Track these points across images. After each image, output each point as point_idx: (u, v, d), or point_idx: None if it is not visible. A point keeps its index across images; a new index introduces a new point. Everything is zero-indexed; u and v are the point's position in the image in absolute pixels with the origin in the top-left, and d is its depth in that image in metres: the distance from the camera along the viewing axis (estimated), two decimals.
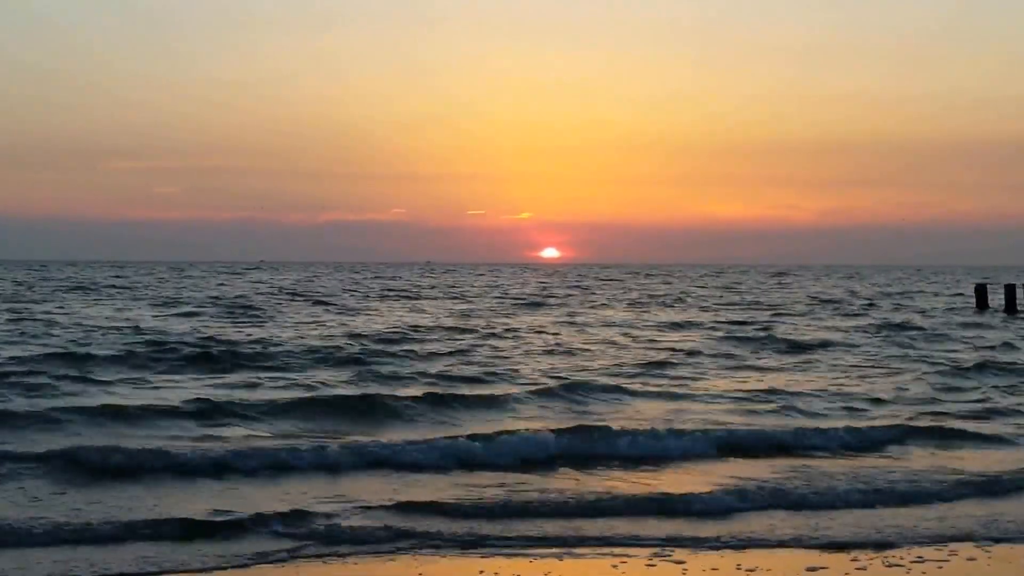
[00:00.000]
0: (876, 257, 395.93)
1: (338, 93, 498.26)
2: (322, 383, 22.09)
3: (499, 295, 71.05)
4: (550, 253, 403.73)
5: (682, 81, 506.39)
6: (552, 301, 63.09)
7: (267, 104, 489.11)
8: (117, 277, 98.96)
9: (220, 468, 13.61)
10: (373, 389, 21.06)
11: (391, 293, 71.25)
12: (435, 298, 64.92)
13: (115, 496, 12.21)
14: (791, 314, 51.35)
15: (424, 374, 24.09)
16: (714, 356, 30.01)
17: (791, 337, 35.91)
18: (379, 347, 30.11)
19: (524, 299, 64.48)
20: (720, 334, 37.13)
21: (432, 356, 28.36)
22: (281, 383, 22.05)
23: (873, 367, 27.93)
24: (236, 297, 60.01)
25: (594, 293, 77.20)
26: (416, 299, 63.33)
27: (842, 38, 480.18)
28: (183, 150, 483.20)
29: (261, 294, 65.96)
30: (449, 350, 29.90)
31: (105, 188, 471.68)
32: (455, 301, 61.77)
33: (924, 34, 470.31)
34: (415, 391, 20.78)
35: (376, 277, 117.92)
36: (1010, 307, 52.45)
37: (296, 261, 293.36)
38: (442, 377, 23.58)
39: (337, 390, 21.15)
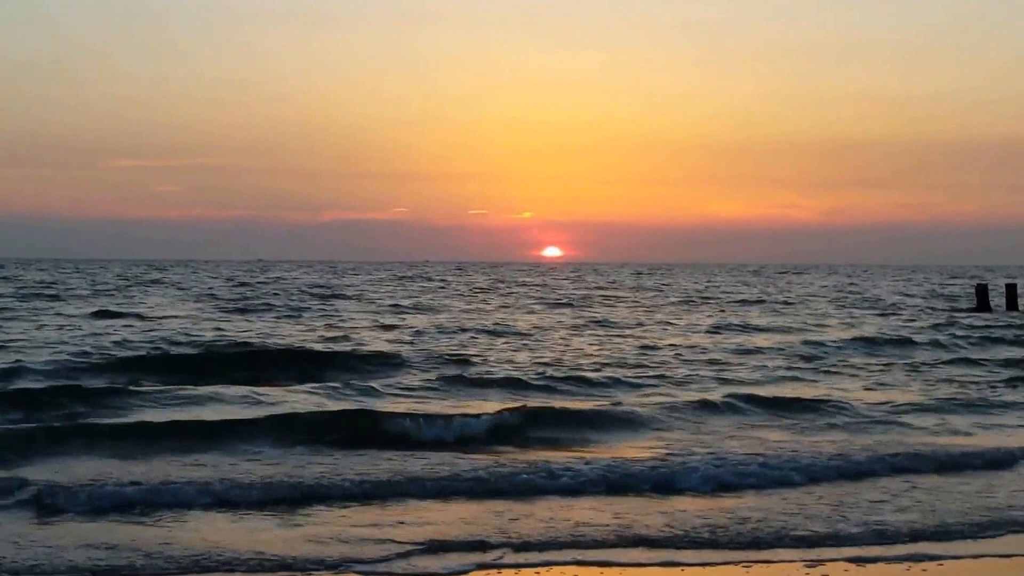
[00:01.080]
0: (878, 257, 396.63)
1: (339, 91, 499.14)
2: None
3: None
4: (552, 252, 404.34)
5: (686, 80, 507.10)
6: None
7: (268, 103, 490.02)
8: (121, 277, 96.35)
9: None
10: None
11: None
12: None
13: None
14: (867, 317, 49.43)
15: None
16: (844, 357, 29.96)
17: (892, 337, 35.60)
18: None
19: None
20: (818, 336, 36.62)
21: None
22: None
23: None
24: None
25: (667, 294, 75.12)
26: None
27: (847, 38, 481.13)
28: (183, 149, 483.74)
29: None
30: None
31: (105, 186, 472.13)
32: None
33: (928, 34, 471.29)
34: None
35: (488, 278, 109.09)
36: (1011, 307, 52.89)
37: (297, 260, 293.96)
38: None
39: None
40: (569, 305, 56.59)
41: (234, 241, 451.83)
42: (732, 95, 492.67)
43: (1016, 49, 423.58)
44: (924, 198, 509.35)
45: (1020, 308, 53.10)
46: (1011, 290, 54.54)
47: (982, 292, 56.56)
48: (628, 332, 37.83)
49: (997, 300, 56.82)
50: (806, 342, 33.85)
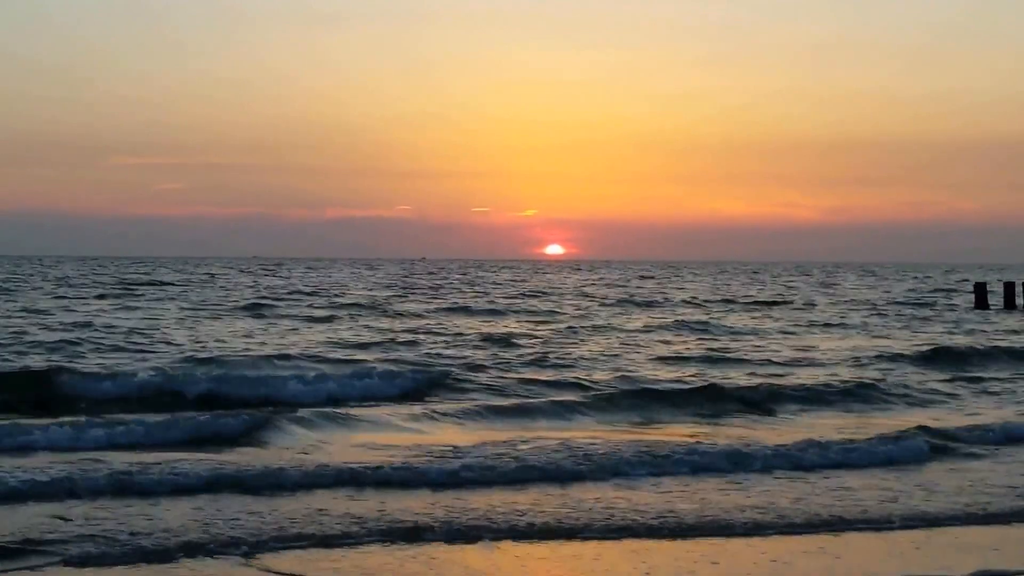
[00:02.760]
0: (880, 256, 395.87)
1: (342, 90, 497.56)
2: None
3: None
4: (554, 250, 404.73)
5: (688, 79, 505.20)
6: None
7: (271, 101, 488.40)
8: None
9: None
10: None
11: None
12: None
13: None
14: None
15: None
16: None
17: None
18: None
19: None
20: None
21: None
22: None
23: None
24: None
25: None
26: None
27: (849, 37, 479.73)
28: (186, 147, 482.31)
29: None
30: None
31: (108, 185, 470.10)
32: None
33: (931, 33, 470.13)
34: None
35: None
36: (1009, 305, 52.89)
37: (300, 257, 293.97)
38: None
39: None
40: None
41: (237, 239, 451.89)
42: (734, 94, 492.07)
43: (1019, 49, 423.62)
44: (926, 197, 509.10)
45: (1018, 306, 53.02)
46: (1009, 288, 54.45)
47: (981, 291, 56.53)
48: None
49: (995, 300, 56.56)
50: None
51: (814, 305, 59.57)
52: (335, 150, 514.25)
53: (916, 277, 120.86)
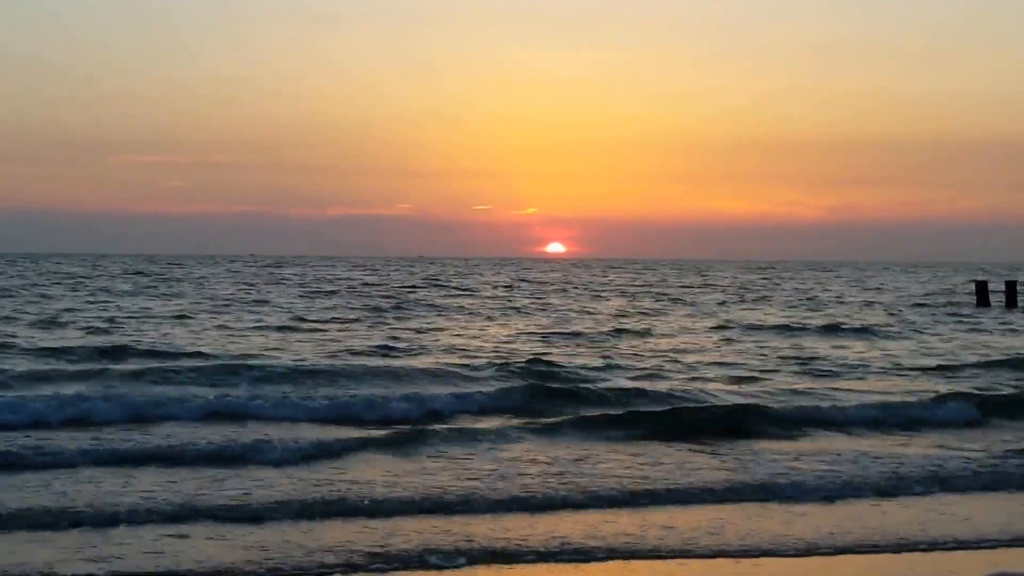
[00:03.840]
0: (882, 254, 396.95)
1: (344, 89, 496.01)
2: None
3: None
4: (555, 248, 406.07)
5: (689, 79, 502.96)
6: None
7: (273, 100, 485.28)
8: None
9: None
10: None
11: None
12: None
13: None
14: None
15: None
16: None
17: None
18: None
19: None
20: None
21: None
22: None
23: None
24: None
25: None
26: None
27: (850, 37, 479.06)
28: (188, 145, 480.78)
29: None
30: None
31: (111, 183, 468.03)
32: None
33: (932, 33, 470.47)
34: None
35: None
36: (1010, 303, 54.87)
37: (299, 255, 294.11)
38: None
39: None
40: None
41: (240, 236, 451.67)
42: (736, 93, 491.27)
43: (1019, 49, 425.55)
44: (927, 196, 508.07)
45: (1019, 305, 54.59)
46: (1011, 287, 56.10)
47: (982, 289, 58.42)
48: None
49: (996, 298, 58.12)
50: None
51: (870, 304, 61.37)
52: (336, 149, 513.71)
53: (936, 277, 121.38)
